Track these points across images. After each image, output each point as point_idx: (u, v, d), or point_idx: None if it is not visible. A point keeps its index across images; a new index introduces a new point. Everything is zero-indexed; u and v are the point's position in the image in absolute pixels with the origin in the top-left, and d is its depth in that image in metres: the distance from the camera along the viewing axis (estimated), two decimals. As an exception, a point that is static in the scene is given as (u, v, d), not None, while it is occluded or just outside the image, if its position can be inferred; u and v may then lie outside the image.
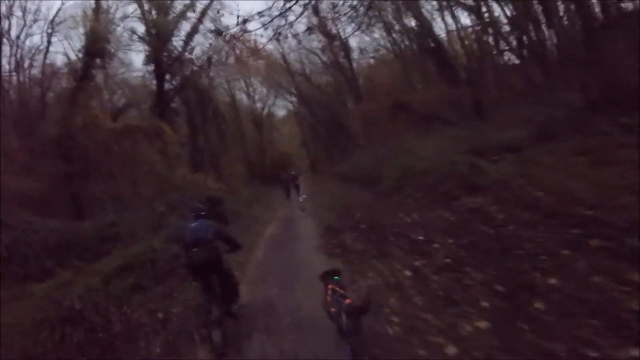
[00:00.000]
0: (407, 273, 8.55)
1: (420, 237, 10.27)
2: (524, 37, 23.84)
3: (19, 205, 18.40)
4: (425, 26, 27.67)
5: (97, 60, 28.42)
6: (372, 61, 41.27)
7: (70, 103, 26.31)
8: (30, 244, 15.82)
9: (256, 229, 18.69)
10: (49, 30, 29.37)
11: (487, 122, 21.05)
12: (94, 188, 24.63)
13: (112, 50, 30.81)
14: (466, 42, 30.09)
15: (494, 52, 26.94)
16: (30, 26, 28.83)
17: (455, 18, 29.35)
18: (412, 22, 30.35)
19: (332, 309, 6.08)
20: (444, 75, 25.78)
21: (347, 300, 5.90)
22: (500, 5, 25.40)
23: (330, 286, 6.50)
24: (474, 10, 27.36)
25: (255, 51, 44.23)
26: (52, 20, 29.18)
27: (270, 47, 47.18)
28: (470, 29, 28.56)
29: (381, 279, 8.68)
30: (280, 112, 60.87)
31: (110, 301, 9.62)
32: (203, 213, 8.26)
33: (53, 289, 12.08)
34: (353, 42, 39.52)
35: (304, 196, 22.72)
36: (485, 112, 22.56)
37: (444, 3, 28.20)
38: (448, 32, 29.77)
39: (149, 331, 8.29)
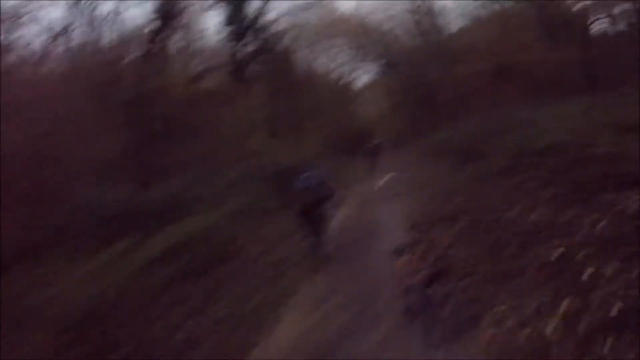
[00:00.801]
0: (549, 328, 4.61)
1: (561, 253, 6.22)
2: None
3: (87, 173, 17.29)
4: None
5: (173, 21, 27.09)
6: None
7: (144, 66, 24.90)
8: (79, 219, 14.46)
9: None
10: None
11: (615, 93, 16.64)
12: (170, 152, 23.37)
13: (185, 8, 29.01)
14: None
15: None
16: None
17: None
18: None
19: None
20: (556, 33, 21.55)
21: None
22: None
23: None
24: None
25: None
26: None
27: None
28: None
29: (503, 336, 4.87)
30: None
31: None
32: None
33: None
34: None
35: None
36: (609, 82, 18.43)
37: None
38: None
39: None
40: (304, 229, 9.83)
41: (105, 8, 25.96)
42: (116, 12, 26.48)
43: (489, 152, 15.20)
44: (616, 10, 22.15)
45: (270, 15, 34.16)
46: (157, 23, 26.33)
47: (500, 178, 12.23)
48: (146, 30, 26.86)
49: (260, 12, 32.72)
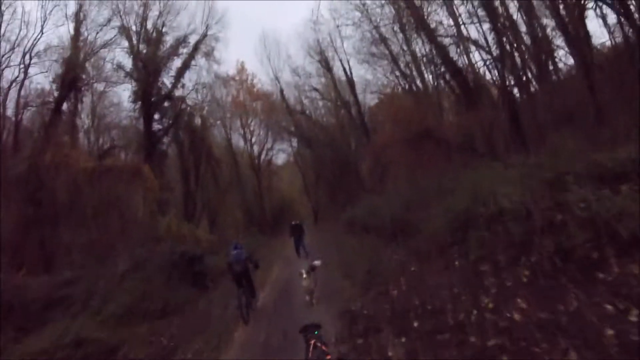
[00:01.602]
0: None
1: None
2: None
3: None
4: (441, 52, 23.38)
5: (72, 92, 25.30)
6: (377, 98, 36.78)
7: (41, 139, 23.10)
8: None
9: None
10: (26, 61, 25.69)
11: (533, 152, 15.96)
12: (64, 236, 21.07)
13: (89, 81, 27.62)
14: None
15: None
16: (9, 56, 24.99)
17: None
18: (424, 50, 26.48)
19: None
20: (468, 101, 21.19)
21: (329, 357, 5.78)
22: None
23: (312, 341, 6.14)
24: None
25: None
26: (30, 51, 25.50)
27: (268, 88, 44.20)
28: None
29: None
30: (279, 159, 56.84)
31: None
32: (239, 245, 13.01)
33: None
34: (357, 77, 35.66)
35: (316, 262, 12.43)
36: (528, 141, 17.93)
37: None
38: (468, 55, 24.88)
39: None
40: (238, 292, 11.72)
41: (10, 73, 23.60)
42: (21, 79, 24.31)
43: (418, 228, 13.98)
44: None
45: (183, 91, 33.40)
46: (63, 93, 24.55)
47: (439, 257, 11.15)
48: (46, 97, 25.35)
49: (172, 88, 31.84)
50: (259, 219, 44.10)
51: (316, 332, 6.42)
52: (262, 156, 50.92)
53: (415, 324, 7.27)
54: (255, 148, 49.76)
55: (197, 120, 36.63)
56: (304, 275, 10.93)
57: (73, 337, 9.57)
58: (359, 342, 7.68)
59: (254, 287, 12.54)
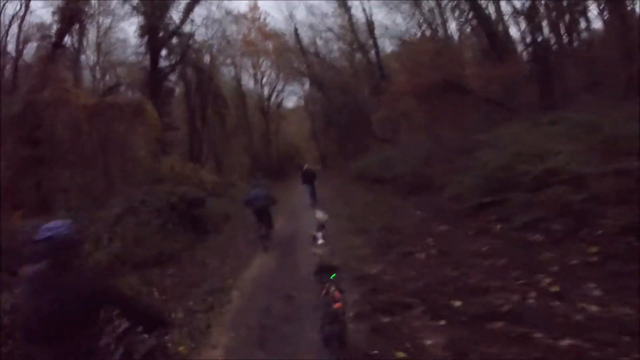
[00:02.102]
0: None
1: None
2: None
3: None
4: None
5: (75, 26, 23.79)
6: (397, 45, 34.00)
7: (39, 74, 21.41)
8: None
9: (239, 250, 13.39)
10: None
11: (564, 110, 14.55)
12: (62, 177, 19.95)
13: (93, 14, 26.13)
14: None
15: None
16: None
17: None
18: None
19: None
20: (496, 52, 19.42)
21: (336, 305, 5.19)
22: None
23: (326, 285, 5.56)
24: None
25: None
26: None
27: (281, 26, 42.23)
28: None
29: None
30: (289, 103, 55.34)
31: None
32: (260, 183, 14.89)
33: None
34: (375, 22, 33.25)
35: (320, 215, 10.68)
36: (557, 99, 16.49)
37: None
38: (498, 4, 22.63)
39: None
40: (258, 224, 13.21)
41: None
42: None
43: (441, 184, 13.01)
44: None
45: (192, 27, 31.25)
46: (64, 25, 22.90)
47: (473, 219, 10.03)
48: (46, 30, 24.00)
49: (180, 23, 29.67)
50: (265, 164, 42.67)
51: (332, 276, 5.83)
52: (272, 99, 49.48)
53: (456, 304, 5.68)
54: (265, 90, 48.22)
55: (206, 58, 34.90)
56: (320, 241, 7.09)
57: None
58: (384, 320, 5.91)
59: (272, 221, 13.80)
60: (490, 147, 11.19)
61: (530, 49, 19.01)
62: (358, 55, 36.51)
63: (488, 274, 6.31)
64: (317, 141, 52.04)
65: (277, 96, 50.61)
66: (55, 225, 3.32)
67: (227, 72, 42.91)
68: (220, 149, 37.08)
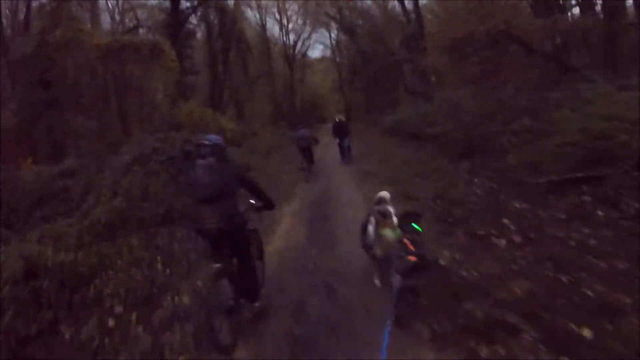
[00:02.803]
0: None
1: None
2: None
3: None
4: None
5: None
6: None
7: (52, 14, 19.80)
8: None
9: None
10: None
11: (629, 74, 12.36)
12: (75, 122, 18.58)
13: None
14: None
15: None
16: None
17: None
18: None
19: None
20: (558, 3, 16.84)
21: (412, 258, 4.57)
22: None
23: (405, 237, 4.96)
24: None
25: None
26: None
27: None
28: None
29: None
30: (315, 52, 53.33)
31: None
32: (305, 127, 18.43)
33: None
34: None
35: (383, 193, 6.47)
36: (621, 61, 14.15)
37: None
38: None
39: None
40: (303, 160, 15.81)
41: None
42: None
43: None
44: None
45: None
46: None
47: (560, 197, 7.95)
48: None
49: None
50: (288, 114, 41.23)
51: (416, 227, 5.31)
52: (298, 46, 47.13)
53: (585, 333, 3.78)
54: (291, 37, 45.86)
55: (230, 1, 32.63)
56: (394, 221, 5.59)
57: (24, 266, 6.05)
58: (480, 351, 3.96)
59: (313, 157, 17.01)
60: (563, 108, 9.33)
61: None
62: (392, 3, 33.77)
63: (610, 283, 4.46)
64: (342, 92, 49.69)
65: (302, 44, 48.22)
66: (215, 137, 5.25)
67: (251, 15, 40.82)
68: (242, 97, 35.10)
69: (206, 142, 4.98)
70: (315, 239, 8.28)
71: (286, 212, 10.79)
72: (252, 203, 5.71)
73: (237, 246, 5.24)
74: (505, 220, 7.13)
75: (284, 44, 45.61)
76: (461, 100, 14.27)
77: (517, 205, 7.66)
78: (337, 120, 19.50)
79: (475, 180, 9.71)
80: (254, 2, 38.29)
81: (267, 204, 5.64)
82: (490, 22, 14.20)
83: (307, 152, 16.81)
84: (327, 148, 21.81)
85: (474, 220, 7.55)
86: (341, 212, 10.07)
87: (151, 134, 15.17)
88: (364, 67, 35.60)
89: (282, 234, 8.89)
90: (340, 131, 18.77)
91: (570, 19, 15.82)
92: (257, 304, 5.51)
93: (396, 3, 32.23)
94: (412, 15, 28.35)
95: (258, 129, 29.81)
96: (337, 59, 49.43)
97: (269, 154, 22.69)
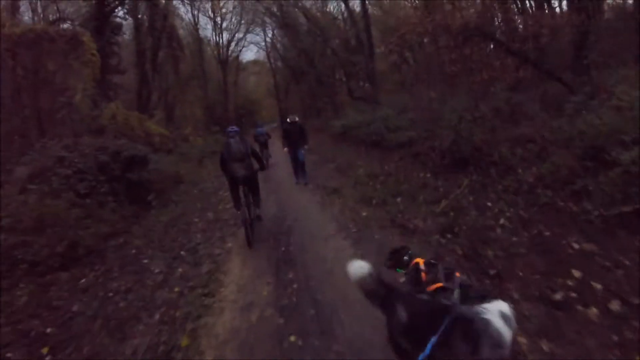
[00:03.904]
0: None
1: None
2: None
3: None
4: None
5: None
6: None
7: None
8: None
9: (197, 237, 8.63)
10: None
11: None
12: None
13: None
14: None
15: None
16: None
17: None
18: None
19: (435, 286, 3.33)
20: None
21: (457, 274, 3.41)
22: None
23: (421, 260, 3.73)
24: None
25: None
26: None
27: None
28: None
29: None
30: (249, 54, 50.71)
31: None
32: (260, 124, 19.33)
33: None
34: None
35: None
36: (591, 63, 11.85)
37: None
38: None
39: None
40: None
41: None
42: None
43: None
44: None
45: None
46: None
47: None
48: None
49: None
50: (221, 117, 37.79)
51: (410, 253, 4.00)
52: (231, 46, 43.80)
53: None
54: (225, 36, 42.53)
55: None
56: None
57: None
58: None
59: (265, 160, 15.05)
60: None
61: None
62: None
63: None
64: (278, 96, 47.00)
65: (236, 44, 44.77)
66: (236, 127, 8.66)
67: (183, 12, 37.77)
68: (172, 99, 31.94)
69: (232, 130, 8.42)
70: (288, 309, 5.06)
71: (232, 251, 7.53)
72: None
73: (252, 183, 8.57)
74: (576, 272, 4.64)
75: (217, 44, 42.22)
76: (433, 103, 11.80)
77: (577, 246, 5.15)
78: (289, 120, 13.57)
79: (489, 204, 7.10)
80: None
81: (262, 167, 8.89)
82: (463, 19, 11.75)
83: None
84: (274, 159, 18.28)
85: (526, 270, 4.98)
86: (313, 249, 7.00)
87: (60, 139, 11.86)
88: (306, 67, 32.43)
89: (229, 305, 5.44)
90: (294, 138, 13.09)
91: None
92: (258, 210, 8.99)
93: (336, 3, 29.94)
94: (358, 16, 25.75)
95: (189, 134, 26.66)
96: (273, 62, 46.67)
97: (202, 162, 19.82)
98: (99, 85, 18.44)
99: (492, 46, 12.66)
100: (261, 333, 4.59)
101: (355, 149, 15.70)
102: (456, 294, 3.17)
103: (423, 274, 3.62)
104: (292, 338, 4.41)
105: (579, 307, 4.14)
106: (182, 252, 7.57)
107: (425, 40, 14.00)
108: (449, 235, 6.35)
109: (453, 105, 11.02)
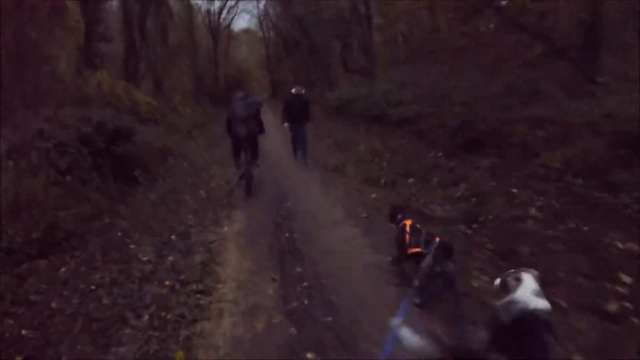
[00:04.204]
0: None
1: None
2: None
3: None
4: None
5: None
6: None
7: None
8: None
9: (188, 218, 7.77)
10: None
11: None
12: None
13: None
14: None
15: None
16: None
17: None
18: None
19: (413, 250, 4.30)
20: None
21: (437, 239, 4.24)
22: None
23: (409, 222, 4.63)
24: None
25: None
26: None
27: None
28: None
29: None
30: (240, 23, 49.30)
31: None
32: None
33: None
34: None
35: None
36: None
37: None
38: None
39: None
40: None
41: None
42: None
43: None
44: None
45: None
46: None
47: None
48: None
49: None
50: (211, 88, 37.06)
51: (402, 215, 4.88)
52: (223, 14, 42.08)
53: None
54: (216, 4, 41.15)
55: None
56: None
57: None
58: None
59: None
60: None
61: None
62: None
63: None
64: (269, 68, 46.01)
65: (228, 12, 42.91)
66: (243, 91, 10.04)
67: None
68: (161, 68, 30.17)
69: (238, 95, 9.56)
70: (300, 315, 4.31)
71: (229, 238, 6.73)
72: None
73: (252, 141, 9.50)
74: (625, 277, 4.07)
75: (209, 11, 40.69)
76: (441, 78, 11.03)
77: (621, 245, 4.52)
78: (293, 92, 12.07)
79: (514, 190, 6.41)
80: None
81: (261, 130, 9.77)
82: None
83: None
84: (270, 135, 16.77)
85: (568, 272, 4.36)
86: (320, 238, 6.22)
87: (39, 110, 10.95)
88: (300, 37, 31.15)
89: (228, 306, 4.64)
90: (297, 113, 11.75)
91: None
92: (257, 161, 9.92)
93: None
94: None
95: (177, 105, 25.99)
96: (265, 31, 45.15)
97: (191, 134, 18.76)
98: (84, 54, 17.72)
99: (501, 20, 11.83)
100: (269, 346, 3.82)
101: (352, 124, 14.85)
102: (429, 257, 3.97)
103: (407, 236, 4.46)
104: (309, 355, 3.60)
105: (635, 321, 3.57)
106: (172, 237, 6.71)
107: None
108: (474, 226, 5.66)
109: (461, 81, 10.31)
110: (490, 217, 5.77)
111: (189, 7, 36.77)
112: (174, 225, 7.31)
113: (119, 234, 6.96)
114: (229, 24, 44.75)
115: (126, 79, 22.64)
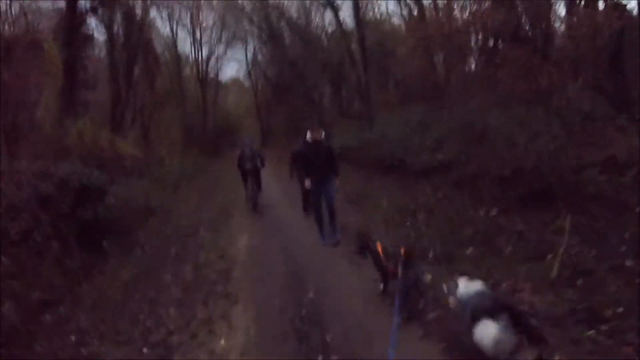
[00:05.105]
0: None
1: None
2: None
3: None
4: None
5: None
6: None
7: None
8: None
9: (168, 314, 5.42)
10: None
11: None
12: None
13: None
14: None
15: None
16: None
17: None
18: None
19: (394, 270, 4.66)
20: None
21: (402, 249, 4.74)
22: None
23: (379, 244, 5.15)
24: None
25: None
26: None
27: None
28: None
29: None
30: (228, 72, 48.71)
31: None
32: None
33: None
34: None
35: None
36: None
37: None
38: None
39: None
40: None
41: None
42: None
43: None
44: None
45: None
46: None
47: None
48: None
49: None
50: (200, 138, 35.98)
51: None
52: (211, 63, 41.20)
53: None
54: (204, 52, 39.95)
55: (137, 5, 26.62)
56: None
57: None
58: None
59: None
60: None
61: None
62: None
63: None
64: (259, 115, 44.87)
65: (216, 61, 41.95)
66: (249, 139, 15.74)
67: (161, 25, 35.38)
68: (148, 117, 29.43)
69: (247, 141, 13.12)
70: None
71: None
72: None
73: (256, 174, 12.34)
74: None
75: (196, 60, 39.69)
76: (471, 115, 9.20)
77: None
78: (309, 140, 7.97)
79: (627, 264, 4.35)
80: (164, 10, 32.18)
81: (263, 165, 12.75)
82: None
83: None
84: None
85: None
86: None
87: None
88: (293, 81, 29.71)
89: None
90: (316, 164, 7.91)
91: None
92: (261, 191, 12.76)
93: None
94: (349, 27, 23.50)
95: (165, 155, 24.73)
96: (254, 80, 44.15)
97: (179, 187, 17.44)
98: (66, 101, 16.39)
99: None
100: None
101: (362, 174, 13.06)
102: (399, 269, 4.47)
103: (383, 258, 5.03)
104: None
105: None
106: (144, 350, 4.49)
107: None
108: (602, 327, 3.63)
109: (501, 118, 8.42)
110: (618, 310, 3.76)
111: (177, 56, 36.07)
112: (148, 326, 5.06)
113: (73, 338, 4.84)
114: (218, 74, 43.90)
115: (112, 128, 21.48)
